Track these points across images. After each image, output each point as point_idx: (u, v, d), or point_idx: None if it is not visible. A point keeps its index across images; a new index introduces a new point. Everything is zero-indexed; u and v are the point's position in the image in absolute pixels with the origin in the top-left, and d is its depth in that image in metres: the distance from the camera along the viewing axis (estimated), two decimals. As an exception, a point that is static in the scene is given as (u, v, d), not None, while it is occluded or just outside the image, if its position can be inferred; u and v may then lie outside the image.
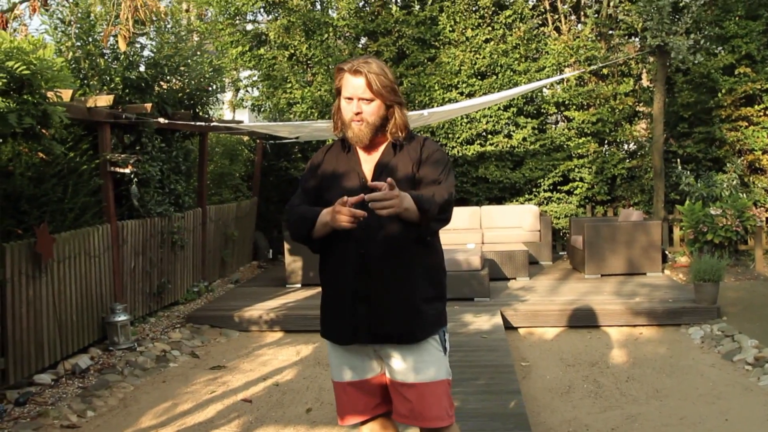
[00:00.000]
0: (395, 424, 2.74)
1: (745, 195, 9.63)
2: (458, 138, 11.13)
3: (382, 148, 2.57)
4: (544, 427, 4.52)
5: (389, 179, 2.21)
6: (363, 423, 2.67)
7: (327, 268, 2.59)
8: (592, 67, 10.77)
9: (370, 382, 2.60)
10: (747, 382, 5.24)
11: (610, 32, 11.17)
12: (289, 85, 11.33)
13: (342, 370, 2.61)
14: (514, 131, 11.14)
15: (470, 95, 10.98)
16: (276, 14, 11.75)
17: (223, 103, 11.79)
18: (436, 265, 2.58)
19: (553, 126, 11.65)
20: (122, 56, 7.20)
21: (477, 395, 4.67)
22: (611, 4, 10.99)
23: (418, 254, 2.50)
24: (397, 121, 2.53)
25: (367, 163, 2.56)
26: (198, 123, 8.02)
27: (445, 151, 2.58)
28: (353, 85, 2.47)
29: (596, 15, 11.03)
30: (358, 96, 2.46)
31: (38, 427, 4.61)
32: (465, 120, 11.11)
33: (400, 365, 2.51)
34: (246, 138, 11.19)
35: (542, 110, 11.30)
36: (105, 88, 7.09)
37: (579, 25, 11.51)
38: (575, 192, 11.11)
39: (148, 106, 7.00)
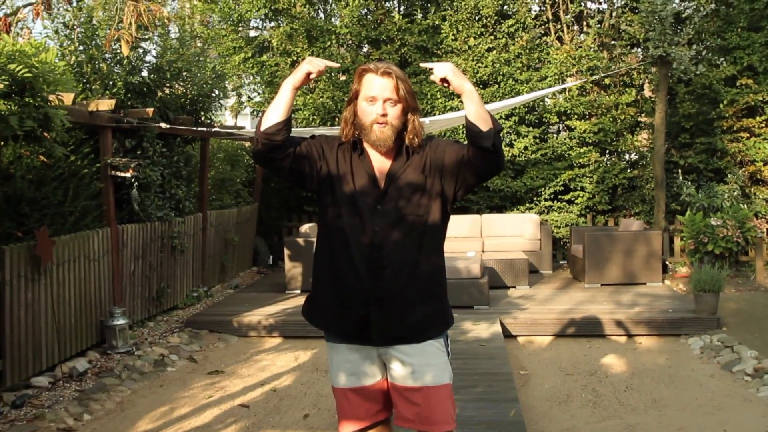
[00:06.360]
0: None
1: (746, 206, 9.61)
2: (460, 146, 11.11)
3: (393, 153, 2.54)
4: (542, 435, 4.50)
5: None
6: (362, 431, 2.63)
7: (333, 267, 2.51)
8: (594, 77, 10.79)
9: (371, 388, 2.57)
10: (746, 392, 5.22)
11: (613, 42, 11.19)
12: (292, 91, 11.33)
13: (342, 376, 2.57)
14: (515, 140, 11.15)
15: (472, 104, 10.96)
16: (279, 21, 11.78)
17: (226, 108, 11.80)
18: (442, 266, 2.60)
19: (555, 135, 11.64)
20: (125, 61, 7.22)
21: (475, 403, 4.66)
22: (614, 14, 11.03)
23: (427, 255, 2.51)
24: (416, 128, 2.49)
25: (379, 168, 2.53)
26: (199, 129, 8.03)
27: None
28: (380, 86, 2.42)
29: (599, 25, 11.05)
30: (385, 97, 2.43)
31: (35, 429, 4.59)
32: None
33: (405, 369, 2.49)
34: (248, 144, 11.21)
35: (544, 119, 11.31)
36: (107, 92, 7.11)
37: (581, 35, 11.53)
38: (576, 201, 11.11)
39: (150, 110, 7.01)
